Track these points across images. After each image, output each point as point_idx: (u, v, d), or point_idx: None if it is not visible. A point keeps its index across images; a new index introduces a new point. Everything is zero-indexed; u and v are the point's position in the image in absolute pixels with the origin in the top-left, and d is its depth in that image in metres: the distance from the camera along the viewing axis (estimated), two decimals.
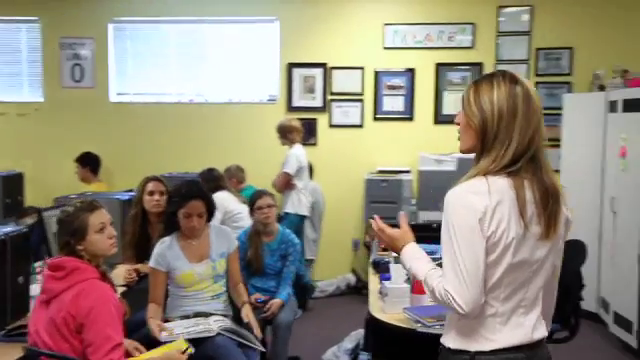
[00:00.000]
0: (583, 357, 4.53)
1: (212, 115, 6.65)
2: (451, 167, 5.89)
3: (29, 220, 4.36)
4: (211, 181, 5.22)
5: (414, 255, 2.03)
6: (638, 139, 4.60)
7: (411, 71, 6.43)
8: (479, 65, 6.36)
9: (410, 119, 6.47)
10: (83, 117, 6.73)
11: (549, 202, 1.84)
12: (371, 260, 4.10)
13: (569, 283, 3.37)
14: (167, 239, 3.42)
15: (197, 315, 3.28)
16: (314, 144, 6.41)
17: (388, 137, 6.47)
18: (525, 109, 1.84)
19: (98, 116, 6.71)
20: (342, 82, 6.50)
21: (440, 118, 6.44)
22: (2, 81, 6.89)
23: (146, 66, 6.77)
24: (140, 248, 3.84)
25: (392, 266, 3.26)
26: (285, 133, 5.69)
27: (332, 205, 6.36)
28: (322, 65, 6.49)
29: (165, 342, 2.97)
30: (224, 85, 6.69)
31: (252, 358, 3.18)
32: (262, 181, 5.92)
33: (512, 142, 1.82)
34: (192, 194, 3.36)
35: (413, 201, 6.00)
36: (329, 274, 6.41)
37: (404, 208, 5.94)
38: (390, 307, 3.11)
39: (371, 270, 3.99)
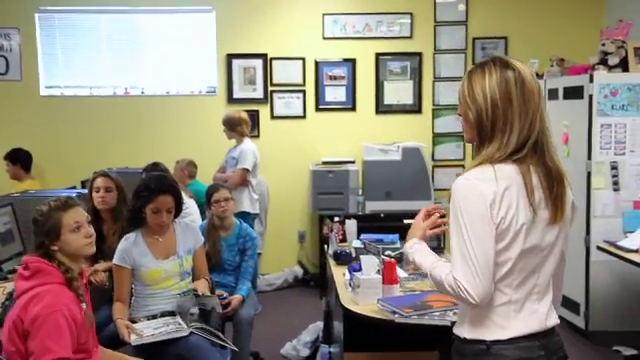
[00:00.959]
0: None
1: (150, 108, 6.43)
2: (396, 157, 5.95)
3: None
4: None
5: (422, 248, 2.04)
6: (578, 125, 4.78)
7: (352, 61, 6.44)
8: (418, 55, 6.44)
9: (352, 109, 6.48)
10: (10, 112, 6.37)
11: (554, 186, 1.85)
12: (330, 252, 4.07)
13: None
14: (131, 235, 3.28)
15: (164, 314, 3.16)
16: (256, 136, 6.32)
17: (331, 128, 6.46)
18: (519, 93, 1.82)
19: (27, 110, 6.36)
20: (283, 73, 6.43)
21: (381, 108, 6.49)
22: None
23: (77, 58, 6.47)
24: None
25: (363, 257, 3.24)
26: (234, 126, 5.52)
27: (276, 197, 6.29)
28: (262, 56, 6.40)
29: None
30: (161, 77, 6.49)
31: (224, 357, 3.10)
32: (204, 175, 5.80)
33: (514, 128, 1.82)
34: (162, 189, 3.23)
35: (360, 191, 6.01)
36: (276, 267, 6.35)
37: (351, 199, 5.96)
38: (362, 298, 3.09)
39: (332, 262, 3.97)
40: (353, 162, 6.14)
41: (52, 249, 2.43)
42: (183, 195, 5.03)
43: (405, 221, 4.43)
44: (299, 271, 6.43)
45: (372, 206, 5.97)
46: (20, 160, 5.97)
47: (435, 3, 6.40)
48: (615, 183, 4.69)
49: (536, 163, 1.84)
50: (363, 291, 3.09)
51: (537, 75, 5.69)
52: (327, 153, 6.32)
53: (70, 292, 2.42)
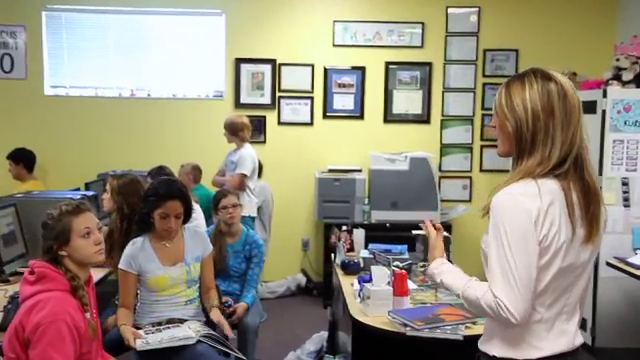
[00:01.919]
0: None
1: (155, 110, 6.37)
2: (404, 166, 5.89)
3: None
4: None
5: (451, 268, 2.02)
6: (590, 140, 4.71)
7: (361, 69, 6.38)
8: (429, 65, 6.38)
9: (360, 117, 6.42)
10: (14, 111, 6.29)
11: (591, 204, 1.80)
12: (338, 262, 4.00)
13: None
14: (138, 240, 3.19)
15: (170, 321, 3.08)
16: (263, 142, 6.26)
17: (338, 135, 6.40)
18: (562, 106, 1.78)
19: (31, 110, 6.29)
20: (291, 79, 6.37)
21: (390, 117, 6.43)
22: None
23: (83, 58, 6.39)
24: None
25: (373, 268, 3.17)
26: (236, 131, 5.45)
27: (281, 204, 6.23)
28: (271, 61, 6.34)
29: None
30: (168, 79, 6.42)
31: None
32: (209, 180, 5.74)
33: (555, 141, 1.77)
34: (171, 194, 3.15)
35: (366, 200, 5.95)
36: (279, 275, 6.28)
37: (357, 207, 5.90)
38: (373, 310, 3.03)
39: (339, 271, 3.91)
40: (360, 171, 6.08)
41: (60, 254, 2.37)
42: None
43: (414, 232, 4.38)
44: (302, 279, 6.35)
45: (378, 215, 5.90)
46: (23, 160, 5.90)
47: (447, 13, 6.35)
48: (626, 199, 4.64)
49: (575, 179, 1.79)
50: (373, 302, 3.04)
51: None
52: (333, 161, 6.26)
53: (74, 300, 2.35)
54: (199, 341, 2.89)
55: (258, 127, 6.24)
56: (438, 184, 6.15)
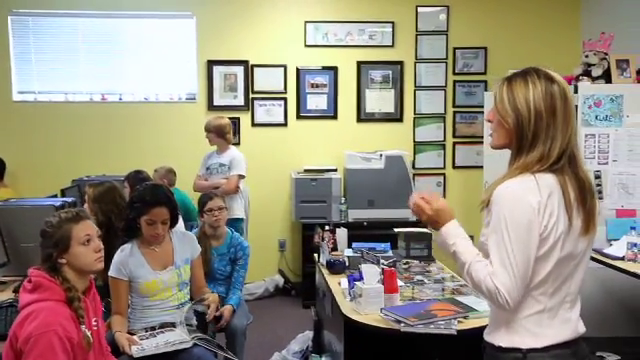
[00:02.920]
0: None
1: (128, 114, 6.30)
2: (379, 165, 5.94)
3: None
4: (139, 184, 4.91)
5: (460, 234, 1.98)
6: None
7: (333, 69, 6.42)
8: (400, 63, 6.46)
9: (334, 117, 6.46)
10: None
11: (587, 198, 1.88)
12: (323, 261, 4.02)
13: None
14: (127, 246, 3.18)
15: (163, 326, 3.07)
16: (237, 144, 6.23)
17: (312, 136, 6.43)
18: (563, 108, 1.86)
19: None
20: (264, 80, 6.37)
21: (363, 116, 6.48)
22: None
23: (52, 62, 6.29)
24: None
25: (363, 266, 3.20)
26: (223, 133, 5.46)
27: (257, 205, 6.21)
28: (243, 62, 6.33)
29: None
30: (139, 83, 6.36)
31: None
32: (183, 183, 5.71)
33: (555, 141, 1.85)
34: (157, 200, 3.14)
35: (342, 200, 5.98)
36: (256, 276, 6.26)
37: (334, 207, 5.93)
38: (365, 308, 3.06)
39: (325, 271, 3.93)
40: (335, 170, 6.11)
41: (59, 262, 2.34)
42: None
43: (395, 230, 4.44)
44: (280, 280, 6.36)
45: (355, 214, 5.95)
46: None
47: (417, 12, 6.43)
48: (599, 192, 4.75)
49: (570, 174, 1.87)
50: (365, 300, 3.07)
51: None
52: (308, 161, 6.28)
53: (68, 310, 2.31)
54: (195, 344, 2.89)
55: (232, 129, 6.21)
56: (413, 181, 6.22)
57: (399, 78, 6.47)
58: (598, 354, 4.66)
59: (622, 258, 4.14)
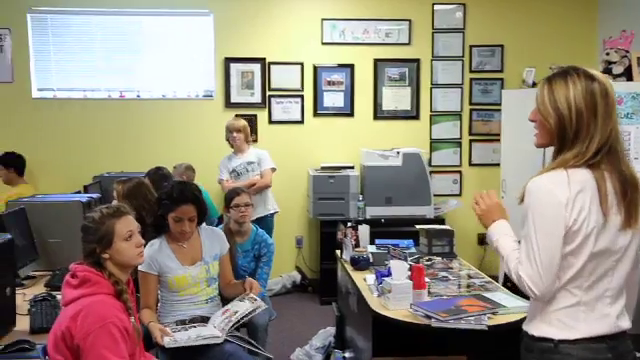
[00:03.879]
0: None
1: (145, 111, 6.33)
2: (397, 162, 5.96)
3: None
4: (160, 180, 4.96)
5: (505, 231, 2.07)
6: None
7: (350, 67, 6.43)
8: (416, 61, 6.47)
9: (350, 115, 6.48)
10: (2, 114, 6.19)
11: (628, 192, 1.89)
12: (347, 257, 4.05)
13: None
14: (156, 242, 3.22)
15: (193, 320, 3.10)
16: (254, 141, 6.24)
17: (329, 133, 6.45)
18: (604, 105, 1.89)
19: (18, 113, 6.20)
20: (281, 78, 6.39)
21: (379, 114, 6.50)
22: None
23: (71, 60, 6.32)
24: None
25: (392, 262, 3.23)
26: (248, 133, 5.68)
27: (273, 199, 6.23)
28: (260, 60, 6.35)
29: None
30: (157, 80, 6.39)
31: None
32: (201, 179, 5.73)
33: (594, 138, 1.87)
34: (184, 198, 3.18)
35: (360, 197, 6.00)
36: (274, 272, 6.20)
37: (352, 204, 5.95)
38: (394, 304, 3.09)
39: (348, 267, 3.95)
40: (352, 167, 6.13)
41: (103, 257, 2.37)
42: None
43: (417, 226, 4.46)
44: (297, 276, 6.39)
45: (372, 211, 5.97)
46: (13, 164, 5.82)
47: (433, 10, 6.44)
48: None
49: (610, 169, 1.89)
50: (394, 296, 3.09)
51: (534, 84, 5.84)
52: (325, 158, 6.31)
53: (119, 302, 2.36)
54: (227, 340, 2.92)
55: (249, 126, 6.24)
56: (430, 179, 6.23)
57: (415, 76, 6.48)
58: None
59: None
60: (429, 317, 2.90)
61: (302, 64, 6.39)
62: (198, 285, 3.23)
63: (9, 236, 2.75)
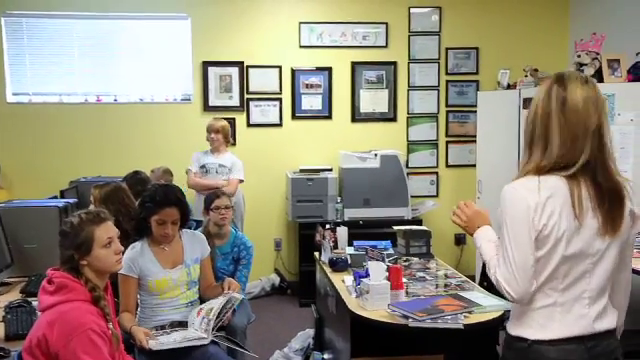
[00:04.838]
0: None
1: (123, 115, 6.31)
2: (375, 164, 6.00)
3: None
4: (138, 184, 4.94)
5: (487, 237, 2.12)
6: None
7: (328, 69, 6.47)
8: (393, 64, 6.53)
9: (328, 117, 6.51)
10: None
11: (606, 202, 1.90)
12: (325, 259, 4.07)
13: None
14: (137, 244, 3.22)
15: (173, 325, 3.10)
16: (233, 144, 6.24)
17: (307, 136, 6.48)
18: (558, 110, 1.89)
19: None
20: (259, 81, 6.41)
21: (357, 116, 6.54)
22: None
23: (46, 64, 6.27)
24: None
25: (369, 263, 3.26)
26: (228, 135, 5.65)
27: (252, 205, 6.23)
28: (238, 63, 6.37)
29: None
30: (135, 84, 6.37)
31: None
32: (179, 183, 5.70)
33: (553, 141, 1.89)
34: (167, 201, 3.18)
35: (338, 199, 6.04)
36: (253, 275, 6.18)
37: (330, 206, 5.98)
38: (372, 304, 3.11)
39: (327, 269, 3.98)
40: (330, 170, 6.16)
41: (81, 263, 2.36)
42: None
43: (395, 227, 4.50)
44: (276, 279, 6.40)
45: (350, 213, 6.01)
46: None
47: (410, 13, 6.50)
48: None
49: (586, 179, 1.91)
50: (372, 297, 3.12)
51: (509, 85, 5.92)
52: (304, 161, 6.33)
53: (96, 309, 2.35)
54: (212, 342, 2.93)
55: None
56: (407, 180, 6.28)
57: (393, 78, 6.54)
58: None
59: None
60: (406, 317, 2.93)
61: (280, 67, 6.41)
62: (178, 288, 3.23)
63: None
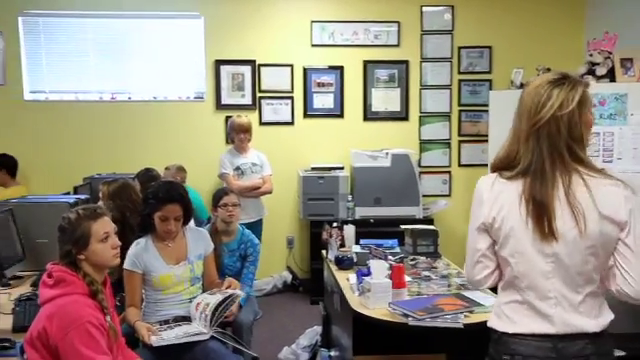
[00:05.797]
0: None
1: (137, 113, 6.38)
2: (386, 163, 6.01)
3: None
4: (149, 182, 5.00)
5: None
6: None
7: (339, 68, 6.49)
8: (405, 63, 6.52)
9: (340, 116, 6.53)
10: None
11: (537, 212, 1.89)
12: (331, 257, 4.10)
13: None
14: (141, 240, 3.27)
15: (176, 319, 3.16)
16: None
17: (319, 134, 6.50)
18: (517, 108, 1.98)
19: (11, 115, 6.25)
20: (271, 79, 6.44)
21: (369, 115, 6.55)
22: None
23: (62, 62, 6.38)
24: None
25: (372, 262, 3.28)
26: (252, 133, 5.74)
27: (266, 203, 6.23)
28: (250, 62, 6.41)
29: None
30: (148, 82, 6.44)
31: None
32: (193, 181, 5.79)
33: (512, 142, 1.97)
34: (170, 198, 3.23)
35: (349, 197, 6.06)
36: (265, 272, 6.33)
37: (341, 205, 6.00)
38: (373, 302, 3.13)
39: (333, 267, 4.00)
40: (342, 168, 6.18)
41: (79, 258, 2.41)
42: None
43: (402, 227, 4.51)
44: (288, 276, 6.44)
45: (362, 212, 6.02)
46: (5, 166, 5.88)
47: (422, 12, 6.50)
48: None
49: (529, 186, 1.93)
50: (374, 295, 3.14)
51: (522, 85, 5.88)
52: (315, 159, 6.36)
53: (94, 302, 2.40)
54: (212, 337, 2.97)
55: None
56: (419, 180, 6.28)
57: (405, 77, 6.54)
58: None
59: None
60: (406, 316, 2.94)
61: (292, 66, 6.44)
62: (182, 284, 3.28)
63: None
